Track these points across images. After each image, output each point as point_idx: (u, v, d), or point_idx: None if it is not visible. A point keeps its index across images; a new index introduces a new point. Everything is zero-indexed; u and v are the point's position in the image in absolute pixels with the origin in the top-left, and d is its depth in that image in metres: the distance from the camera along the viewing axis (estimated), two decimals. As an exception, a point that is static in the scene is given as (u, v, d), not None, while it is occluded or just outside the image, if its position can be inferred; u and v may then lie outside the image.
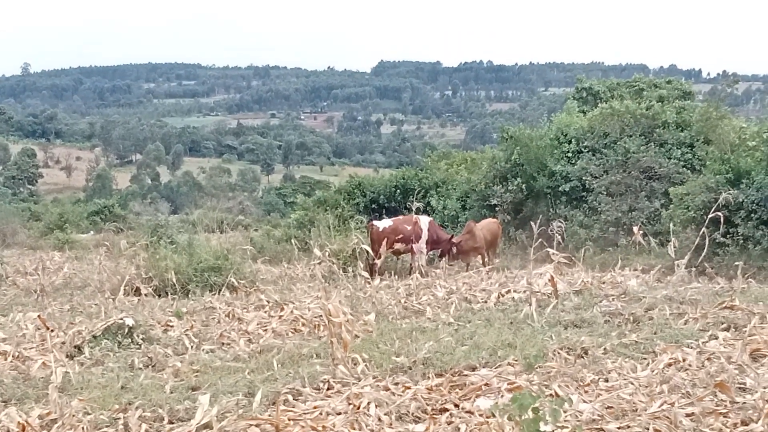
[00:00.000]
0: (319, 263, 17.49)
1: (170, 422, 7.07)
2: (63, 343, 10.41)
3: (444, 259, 19.61)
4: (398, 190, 30.38)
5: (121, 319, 11.07)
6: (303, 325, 11.86)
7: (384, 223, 19.38)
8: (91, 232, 37.51)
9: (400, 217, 19.78)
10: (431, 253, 19.73)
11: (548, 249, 14.20)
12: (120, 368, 9.31)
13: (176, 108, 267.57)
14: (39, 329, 11.29)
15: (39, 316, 11.71)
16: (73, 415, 7.08)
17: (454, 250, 19.40)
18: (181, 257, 16.86)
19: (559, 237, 17.34)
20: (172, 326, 11.99)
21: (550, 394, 7.20)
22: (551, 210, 23.77)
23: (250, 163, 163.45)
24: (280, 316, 12.33)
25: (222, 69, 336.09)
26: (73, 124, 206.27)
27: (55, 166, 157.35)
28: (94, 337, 10.64)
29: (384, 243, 18.39)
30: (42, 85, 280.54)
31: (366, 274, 16.05)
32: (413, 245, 18.95)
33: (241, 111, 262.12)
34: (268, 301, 13.62)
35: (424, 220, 19.62)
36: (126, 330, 10.82)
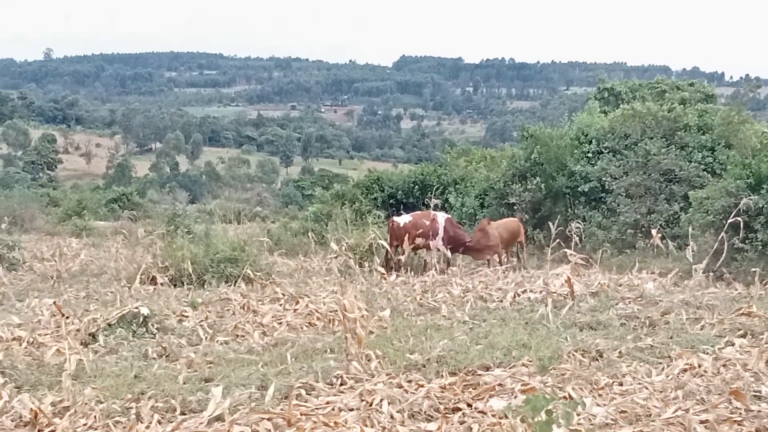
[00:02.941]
0: (336, 257, 17.45)
1: (182, 413, 7.08)
2: (78, 330, 10.45)
3: (460, 256, 19.56)
4: (417, 186, 30.36)
5: (137, 308, 11.09)
6: (318, 319, 11.84)
7: (404, 219, 19.33)
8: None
9: (419, 212, 19.72)
10: (447, 250, 19.65)
11: (565, 249, 14.16)
12: (134, 357, 9.33)
13: (197, 97, 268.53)
14: (54, 316, 11.34)
15: (54, 302, 11.76)
16: (86, 403, 7.12)
17: (473, 247, 19.32)
18: (198, 247, 16.88)
19: (577, 238, 17.25)
20: (187, 316, 12.02)
21: (564, 397, 7.17)
22: (570, 210, 23.68)
23: (269, 155, 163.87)
24: (295, 310, 12.33)
25: (243, 59, 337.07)
26: (93, 110, 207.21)
27: (75, 153, 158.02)
28: (109, 325, 10.67)
29: (405, 238, 18.34)
30: (64, 71, 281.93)
31: (382, 270, 16.01)
32: (430, 242, 18.89)
33: (262, 102, 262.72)
34: (284, 294, 13.63)
35: (441, 217, 19.56)
36: (141, 319, 10.84)
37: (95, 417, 6.79)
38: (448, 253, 19.05)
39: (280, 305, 12.92)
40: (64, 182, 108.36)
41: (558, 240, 14.67)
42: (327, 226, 22.75)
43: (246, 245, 17.20)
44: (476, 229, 19.92)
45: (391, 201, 30.42)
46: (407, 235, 18.45)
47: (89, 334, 10.41)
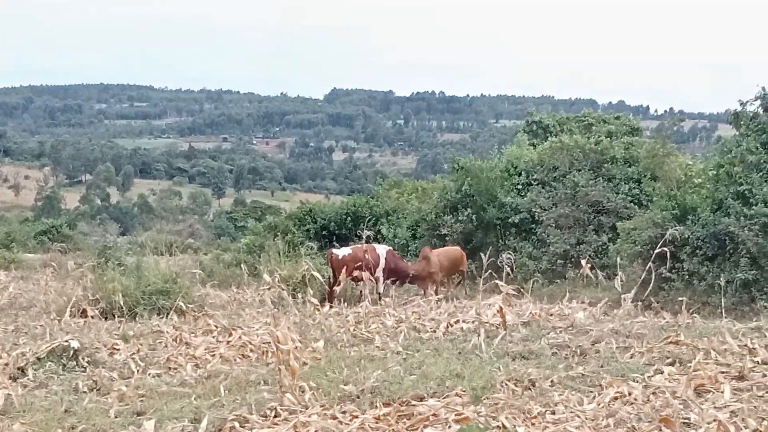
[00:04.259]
0: (269, 289, 17.38)
1: (114, 447, 7.00)
2: (6, 364, 10.27)
3: (393, 287, 19.62)
4: (349, 218, 30.42)
5: (67, 341, 10.93)
6: (251, 351, 11.80)
7: (344, 251, 19.31)
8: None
9: (359, 245, 19.73)
10: (388, 281, 19.68)
11: (497, 280, 14.28)
12: (64, 391, 9.19)
13: (127, 129, 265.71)
14: (-18, 350, 11.12)
15: (-18, 336, 11.53)
16: (15, 439, 7.00)
17: (414, 275, 19.41)
18: (129, 279, 16.66)
19: (508, 268, 17.40)
20: (118, 349, 11.85)
21: (497, 426, 7.25)
22: (501, 241, 23.93)
23: (201, 187, 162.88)
24: (228, 342, 12.26)
25: (174, 92, 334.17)
26: (22, 142, 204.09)
27: (3, 185, 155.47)
28: (39, 359, 10.50)
29: (344, 270, 18.35)
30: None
31: (315, 301, 16.00)
32: (368, 274, 18.87)
33: (193, 134, 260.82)
34: (217, 326, 13.52)
35: (382, 249, 19.61)
36: (71, 352, 10.69)
37: (25, 452, 6.68)
38: (381, 287, 19.08)
39: (213, 337, 12.82)
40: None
41: (489, 270, 14.75)
42: (260, 257, 22.64)
43: (178, 277, 17.04)
44: (419, 258, 20.01)
45: (323, 232, 30.42)
46: (345, 267, 18.48)
47: (18, 368, 10.23)
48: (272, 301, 16.84)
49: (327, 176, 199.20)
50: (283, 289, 16.66)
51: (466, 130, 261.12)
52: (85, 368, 10.43)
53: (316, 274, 17.67)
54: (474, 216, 24.49)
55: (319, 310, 15.76)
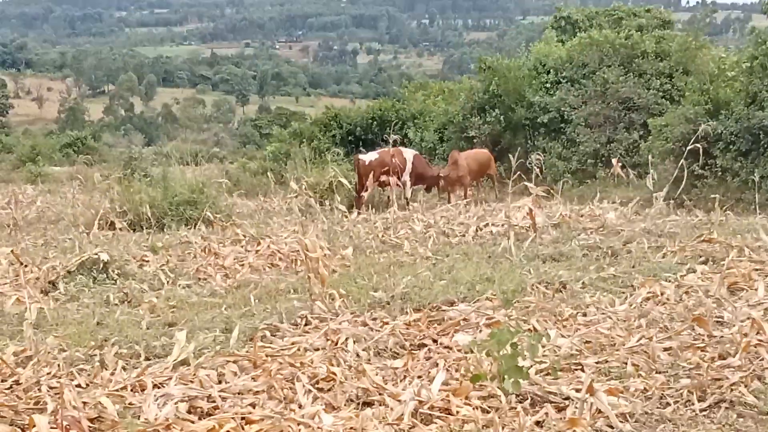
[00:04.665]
0: (296, 197, 17.35)
1: (147, 359, 7.00)
2: (37, 278, 10.30)
3: (424, 191, 19.54)
4: (375, 122, 30.18)
5: (96, 254, 10.93)
6: (280, 259, 11.76)
7: (370, 156, 19.15)
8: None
9: (385, 149, 19.56)
10: (416, 187, 19.59)
11: (526, 182, 14.14)
12: (95, 304, 9.20)
13: (149, 37, 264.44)
14: (12, 264, 11.15)
15: (12, 251, 11.54)
16: (49, 352, 7.02)
17: (441, 182, 19.28)
18: (156, 190, 16.67)
19: (538, 169, 17.25)
20: (147, 261, 11.85)
21: (529, 329, 7.19)
22: (530, 142, 23.76)
23: (225, 94, 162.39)
24: (257, 251, 12.23)
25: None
26: (43, 53, 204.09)
27: (26, 97, 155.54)
28: (69, 272, 10.51)
29: (371, 176, 18.24)
30: (11, 14, 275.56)
31: (343, 208, 15.93)
32: (396, 179, 18.76)
33: (215, 40, 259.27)
34: (245, 236, 13.49)
35: (409, 153, 19.47)
36: (101, 265, 10.69)
37: (59, 365, 6.69)
38: (408, 191, 18.99)
39: (242, 247, 12.80)
40: (16, 128, 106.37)
41: (518, 172, 14.61)
42: (286, 165, 22.61)
43: (205, 187, 17.01)
44: (448, 161, 19.83)
45: (349, 138, 30.25)
46: (372, 172, 18.36)
47: (49, 282, 10.26)
48: (299, 209, 16.82)
49: (352, 80, 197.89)
50: (310, 197, 16.63)
51: (493, 28, 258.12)
52: (116, 281, 10.44)
53: (343, 180, 17.60)
54: (502, 117, 24.28)
55: (347, 216, 15.72)
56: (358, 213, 16.67)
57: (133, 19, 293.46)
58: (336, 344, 7.04)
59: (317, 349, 6.95)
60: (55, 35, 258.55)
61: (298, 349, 6.96)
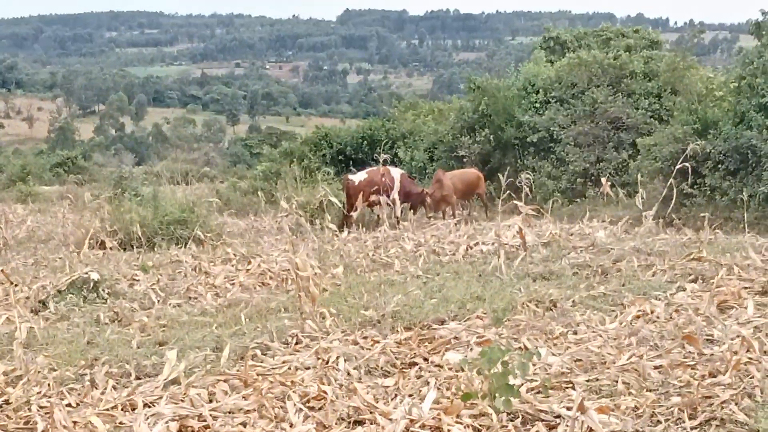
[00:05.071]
0: (286, 216, 17.31)
1: (137, 378, 7.00)
2: (27, 298, 10.28)
3: (411, 212, 19.56)
4: (365, 141, 30.30)
5: (86, 273, 10.93)
6: (270, 278, 11.77)
7: (359, 176, 19.20)
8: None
9: (373, 168, 19.61)
10: (403, 205, 19.63)
11: (516, 201, 14.18)
12: (85, 323, 9.18)
13: (139, 57, 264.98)
14: (2, 284, 11.09)
15: (2, 270, 11.50)
16: (39, 372, 7.01)
17: (428, 200, 19.31)
18: (146, 210, 16.69)
19: (527, 188, 17.27)
20: (138, 280, 11.86)
21: (519, 348, 7.21)
22: (519, 161, 23.82)
23: (215, 114, 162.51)
24: (248, 270, 12.23)
25: (185, 17, 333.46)
26: (34, 73, 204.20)
27: (16, 117, 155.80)
28: (59, 291, 10.50)
29: (360, 196, 18.27)
30: (1, 34, 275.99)
31: (334, 227, 15.92)
32: (386, 198, 18.78)
33: (206, 60, 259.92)
34: (235, 255, 13.52)
35: (396, 172, 19.52)
36: (91, 284, 10.68)
37: (49, 385, 6.68)
38: (398, 210, 19.01)
39: (232, 266, 12.82)
40: (6, 148, 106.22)
41: (508, 191, 14.64)
42: (276, 184, 22.62)
43: (195, 206, 17.04)
44: (433, 181, 19.89)
45: (340, 157, 30.35)
46: (362, 192, 18.38)
47: (39, 302, 10.24)
48: (290, 228, 16.81)
49: (342, 100, 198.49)
50: (300, 216, 16.60)
51: (482, 48, 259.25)
52: (106, 300, 10.44)
53: (333, 199, 17.54)
54: (492, 136, 24.36)
55: (337, 236, 15.72)
56: (348, 232, 16.68)
57: (123, 40, 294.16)
58: (327, 363, 7.04)
59: (308, 368, 6.95)
60: (46, 55, 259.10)
61: (289, 368, 6.97)
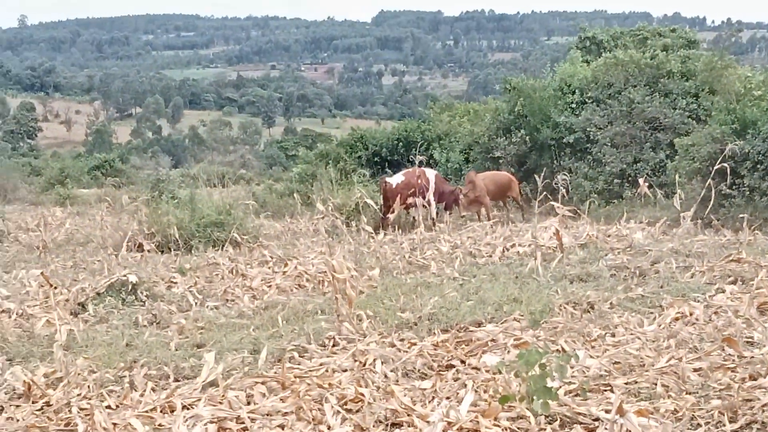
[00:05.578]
0: (322, 218, 17.41)
1: (176, 380, 7.06)
2: (66, 300, 10.37)
3: (448, 212, 19.56)
4: (401, 143, 30.26)
5: (125, 275, 11.04)
6: (307, 281, 11.80)
7: (396, 179, 19.18)
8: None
9: (409, 170, 19.62)
10: (437, 206, 19.62)
11: (553, 202, 14.13)
12: (124, 325, 9.27)
13: (175, 60, 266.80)
14: (42, 286, 11.23)
15: (42, 273, 11.65)
16: (79, 374, 7.09)
17: (461, 199, 19.29)
18: (184, 212, 16.78)
19: (564, 190, 17.23)
20: (175, 282, 11.95)
21: (557, 350, 7.19)
22: (555, 162, 23.65)
23: (251, 116, 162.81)
24: (284, 272, 12.27)
25: (221, 20, 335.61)
26: (71, 77, 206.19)
27: (54, 120, 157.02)
28: (98, 294, 10.61)
29: (398, 198, 18.27)
30: (39, 38, 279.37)
31: (370, 229, 15.93)
32: (422, 199, 18.77)
33: (241, 63, 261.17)
34: (272, 257, 13.58)
35: (431, 173, 19.51)
36: (130, 287, 10.79)
37: (89, 387, 6.76)
38: (434, 210, 19.01)
39: (269, 268, 12.88)
40: (45, 151, 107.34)
41: (545, 193, 14.62)
42: (312, 186, 22.63)
43: (232, 209, 17.11)
44: (465, 182, 19.87)
45: (375, 159, 30.33)
46: (399, 195, 18.39)
47: (78, 304, 10.35)
48: (326, 230, 16.87)
49: (377, 101, 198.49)
50: (336, 218, 16.67)
51: (518, 48, 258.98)
52: (144, 302, 10.53)
53: (369, 201, 17.61)
54: (528, 137, 24.22)
55: (373, 237, 15.72)
56: (384, 234, 16.68)
57: (159, 42, 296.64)
58: (364, 365, 7.06)
59: (345, 370, 6.98)
60: (83, 59, 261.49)
61: (326, 371, 6.99)
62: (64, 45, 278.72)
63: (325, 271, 10.54)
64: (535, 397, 5.45)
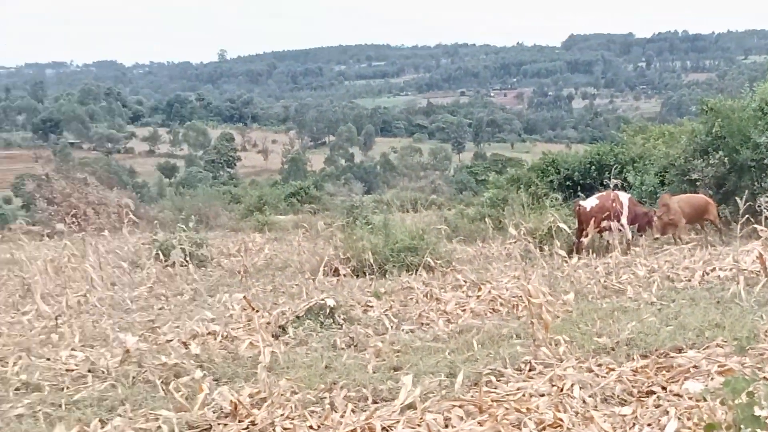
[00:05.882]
0: (515, 242, 17.36)
1: (374, 402, 7.19)
2: (268, 323, 10.71)
3: (641, 235, 19.15)
4: (593, 167, 29.78)
5: (323, 299, 11.32)
6: (501, 305, 11.78)
7: (590, 203, 19.00)
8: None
9: (603, 193, 19.39)
10: (631, 227, 19.25)
11: (755, 225, 13.59)
12: (323, 348, 9.51)
13: (367, 89, 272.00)
14: (245, 309, 11.66)
15: (244, 296, 12.12)
16: (282, 394, 7.30)
17: (655, 221, 18.87)
18: (377, 237, 17.10)
19: (767, 212, 16.56)
20: (371, 306, 12.17)
21: (765, 378, 6.90)
22: (756, 184, 22.73)
23: (441, 142, 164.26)
24: (478, 296, 12.28)
25: (411, 48, 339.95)
26: (268, 108, 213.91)
27: (252, 150, 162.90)
28: (297, 317, 10.92)
29: (592, 222, 18.07)
30: (238, 71, 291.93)
31: (563, 253, 15.77)
32: (615, 223, 18.50)
33: (431, 90, 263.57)
34: (465, 281, 13.62)
35: (624, 196, 19.20)
36: (327, 310, 11.05)
37: (291, 407, 6.96)
38: (629, 234, 18.67)
39: (463, 292, 12.91)
40: (244, 179, 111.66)
41: (746, 215, 14.05)
42: (503, 210, 22.62)
43: (424, 233, 17.29)
44: (659, 204, 19.44)
45: (567, 183, 29.96)
46: (594, 218, 18.18)
47: (279, 327, 10.68)
48: (519, 254, 16.81)
49: (567, 125, 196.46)
50: (529, 242, 16.58)
51: (713, 68, 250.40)
52: (342, 325, 10.76)
53: (562, 225, 17.44)
54: (726, 159, 23.40)
55: (567, 262, 15.55)
56: (578, 258, 16.48)
57: (352, 72, 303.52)
58: (561, 390, 6.99)
59: (542, 395, 6.93)
60: (279, 90, 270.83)
61: (524, 395, 6.96)
62: (261, 77, 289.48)
63: (520, 296, 10.53)
64: (742, 426, 5.27)
